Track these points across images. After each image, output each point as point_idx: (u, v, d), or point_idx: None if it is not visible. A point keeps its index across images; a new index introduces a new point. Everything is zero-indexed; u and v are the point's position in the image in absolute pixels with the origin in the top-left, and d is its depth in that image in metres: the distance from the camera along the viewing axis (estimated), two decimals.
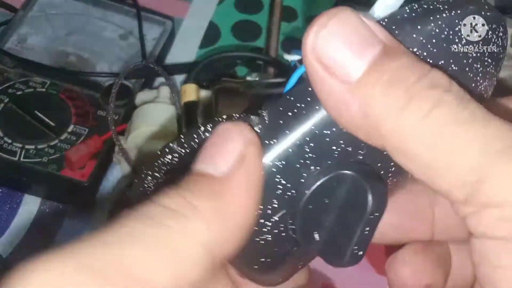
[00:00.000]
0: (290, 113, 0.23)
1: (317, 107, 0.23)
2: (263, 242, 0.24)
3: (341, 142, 0.23)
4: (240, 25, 0.68)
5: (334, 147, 0.23)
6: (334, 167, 0.24)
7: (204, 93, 0.52)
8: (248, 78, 0.54)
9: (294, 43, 0.67)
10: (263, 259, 0.25)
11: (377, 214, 0.25)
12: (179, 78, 0.61)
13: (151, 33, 0.63)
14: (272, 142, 0.23)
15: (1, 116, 0.55)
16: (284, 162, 0.23)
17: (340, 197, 0.24)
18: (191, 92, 0.51)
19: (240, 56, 0.61)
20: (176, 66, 0.63)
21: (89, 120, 0.55)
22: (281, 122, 0.23)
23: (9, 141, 0.53)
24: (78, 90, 0.57)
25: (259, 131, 0.23)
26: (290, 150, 0.23)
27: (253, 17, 0.69)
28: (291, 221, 0.25)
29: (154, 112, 0.53)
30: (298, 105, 0.23)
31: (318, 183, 0.24)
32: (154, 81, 0.62)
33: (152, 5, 0.66)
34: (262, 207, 0.24)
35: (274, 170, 0.23)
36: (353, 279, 0.52)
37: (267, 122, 0.24)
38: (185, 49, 0.66)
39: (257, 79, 0.53)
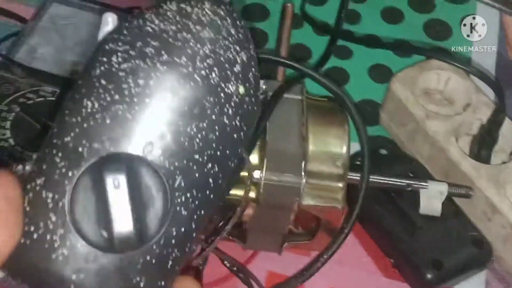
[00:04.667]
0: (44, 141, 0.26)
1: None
2: (61, 258, 0.24)
3: (84, 141, 0.25)
4: None
5: (80, 149, 0.25)
6: (90, 167, 0.25)
7: None
8: None
9: (302, 49, 0.67)
10: (75, 276, 0.25)
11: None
12: None
13: None
14: (33, 169, 0.25)
15: (12, 125, 0.55)
16: (43, 178, 0.25)
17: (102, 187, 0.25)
18: None
19: None
20: None
21: None
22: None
23: (20, 149, 0.54)
24: None
25: (28, 168, 0.26)
26: (45, 166, 0.25)
27: (259, 24, 0.70)
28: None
29: None
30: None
31: (74, 182, 0.25)
32: None
33: None
34: (41, 223, 0.24)
35: (38, 188, 0.25)
36: (361, 283, 0.53)
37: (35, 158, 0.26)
38: None
39: (264, 86, 0.54)
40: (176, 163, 0.25)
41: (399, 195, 0.53)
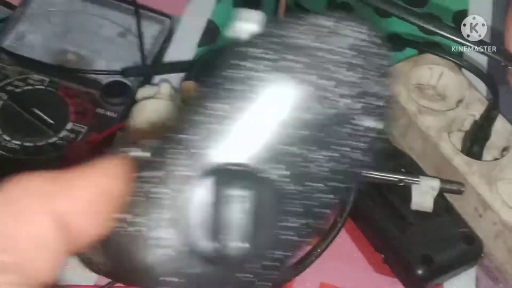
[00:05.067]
0: (169, 133, 0.25)
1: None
2: (165, 257, 0.24)
3: (211, 144, 0.24)
4: None
5: (206, 151, 0.24)
6: (211, 169, 0.24)
7: None
8: None
9: None
10: (172, 279, 0.24)
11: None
12: (177, 76, 0.61)
13: (149, 31, 0.63)
14: (154, 157, 0.24)
15: None
16: (164, 172, 0.24)
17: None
18: (190, 90, 0.51)
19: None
20: (174, 64, 0.63)
21: (88, 117, 0.55)
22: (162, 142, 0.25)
23: (8, 138, 0.53)
24: (76, 88, 0.57)
25: (146, 155, 0.25)
26: (167, 159, 0.24)
27: None
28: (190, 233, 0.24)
29: (154, 108, 0.53)
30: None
31: (203, 188, 0.24)
32: (153, 78, 0.62)
33: (150, 3, 0.65)
34: (151, 217, 0.24)
35: (157, 180, 0.24)
36: (352, 278, 0.52)
37: (155, 146, 0.25)
38: (184, 47, 0.65)
39: None
40: (298, 188, 0.24)
41: (390, 191, 0.53)
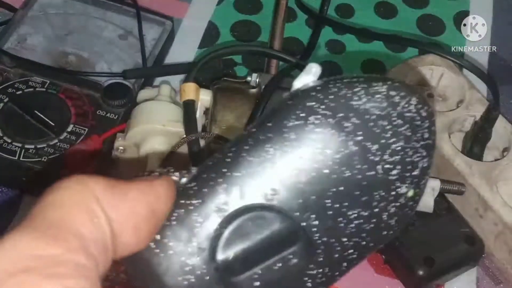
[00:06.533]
0: (210, 162, 0.25)
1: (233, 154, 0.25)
2: (186, 283, 0.24)
3: (252, 183, 0.25)
4: (239, 25, 0.68)
5: (246, 189, 0.25)
6: (247, 208, 0.25)
7: (204, 93, 0.53)
8: (249, 78, 0.54)
9: (294, 42, 0.67)
10: None
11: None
12: (178, 78, 0.61)
13: (150, 33, 0.63)
14: (192, 185, 0.25)
15: (0, 115, 0.54)
16: (200, 201, 0.25)
17: (256, 236, 0.25)
18: (190, 91, 0.51)
19: (239, 51, 0.61)
20: (175, 66, 0.63)
21: (89, 119, 0.55)
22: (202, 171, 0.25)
23: (9, 140, 0.53)
24: (77, 90, 0.57)
25: (184, 181, 0.25)
26: (206, 190, 0.25)
27: (252, 17, 0.69)
28: (214, 264, 0.25)
29: (154, 110, 0.53)
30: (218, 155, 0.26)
31: (236, 222, 0.25)
32: (154, 80, 0.62)
33: (151, 5, 0.66)
34: (181, 243, 0.24)
35: (191, 208, 0.25)
36: (353, 279, 0.52)
37: (194, 174, 0.26)
38: (185, 49, 0.66)
39: (257, 80, 0.53)
40: (325, 239, 0.26)
41: None
